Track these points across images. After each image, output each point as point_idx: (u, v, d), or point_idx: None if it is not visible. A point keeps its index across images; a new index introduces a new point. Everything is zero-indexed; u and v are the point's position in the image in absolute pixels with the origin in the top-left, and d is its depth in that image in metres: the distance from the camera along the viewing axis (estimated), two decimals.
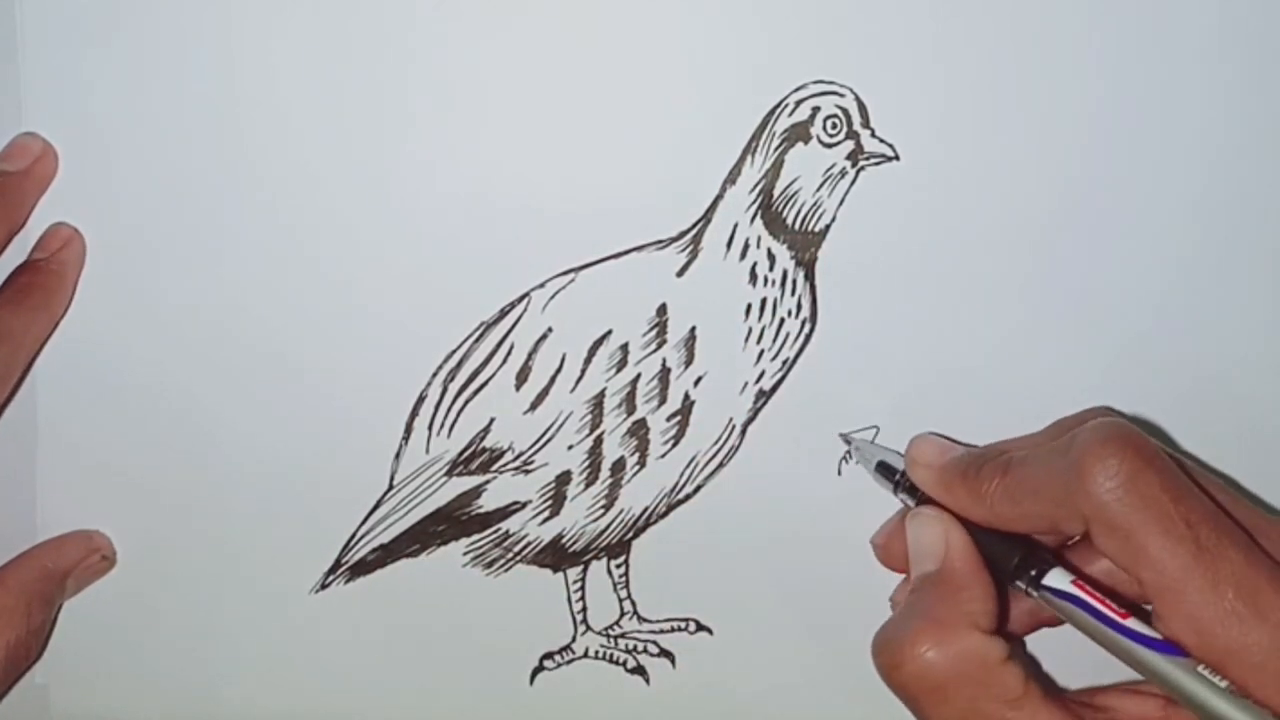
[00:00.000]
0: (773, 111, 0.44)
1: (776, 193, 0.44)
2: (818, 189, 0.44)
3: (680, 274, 0.45)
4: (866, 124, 0.44)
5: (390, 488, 0.46)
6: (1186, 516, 0.36)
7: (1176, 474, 0.37)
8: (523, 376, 0.45)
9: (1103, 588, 0.38)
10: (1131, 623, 0.37)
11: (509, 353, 0.45)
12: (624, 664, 0.47)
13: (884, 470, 0.44)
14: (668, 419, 0.45)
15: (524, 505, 0.46)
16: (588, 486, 0.45)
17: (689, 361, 0.45)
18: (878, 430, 0.45)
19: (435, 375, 0.45)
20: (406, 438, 0.46)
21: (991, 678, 0.37)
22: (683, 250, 0.45)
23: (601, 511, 0.46)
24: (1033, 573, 0.39)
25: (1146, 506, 0.36)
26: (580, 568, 0.47)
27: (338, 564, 0.46)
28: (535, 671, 0.47)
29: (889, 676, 0.38)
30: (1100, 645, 0.37)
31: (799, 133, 0.44)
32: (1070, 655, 0.43)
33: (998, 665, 0.37)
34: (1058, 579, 0.38)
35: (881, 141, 0.44)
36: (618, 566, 0.47)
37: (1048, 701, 0.36)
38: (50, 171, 0.45)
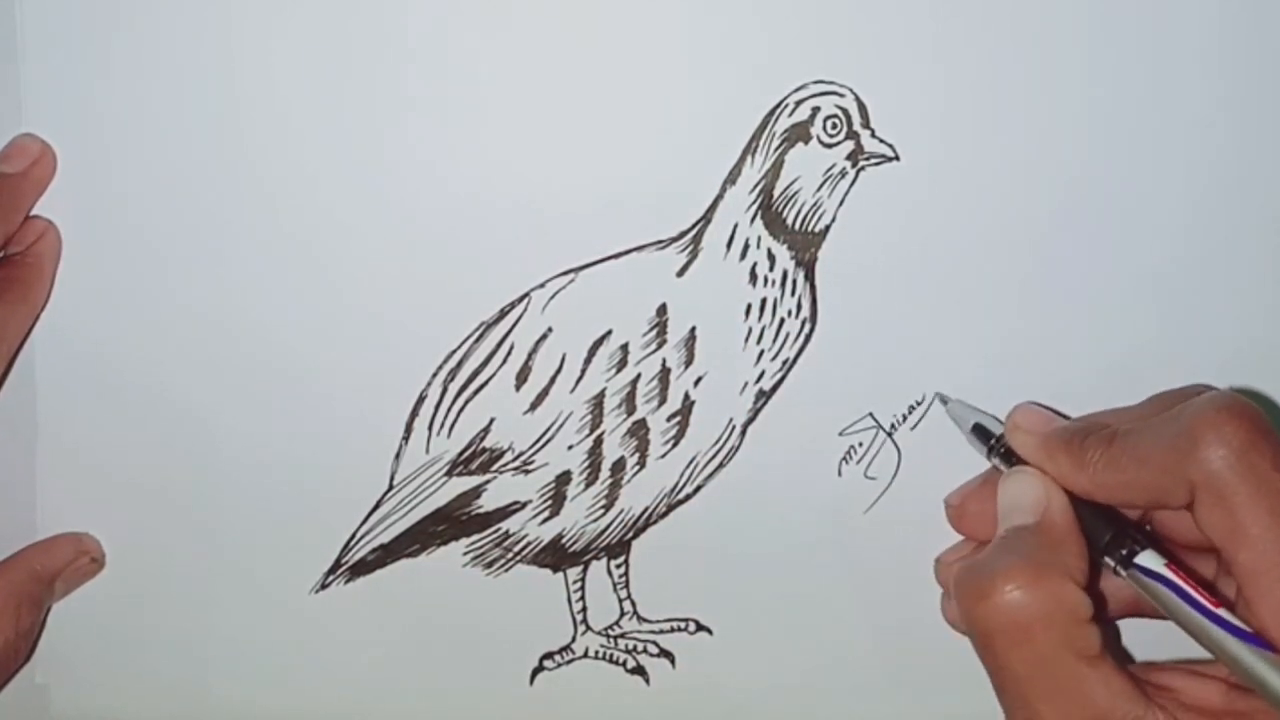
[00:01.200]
0: (773, 111, 0.44)
1: (776, 193, 0.44)
2: (818, 189, 0.44)
3: (680, 274, 0.45)
4: (866, 124, 0.44)
5: (390, 488, 0.46)
6: None
7: None
8: (523, 376, 0.45)
9: (1194, 573, 0.38)
10: (1223, 612, 0.36)
11: (509, 353, 0.45)
12: (624, 664, 0.47)
13: (979, 433, 0.43)
14: (668, 419, 0.45)
15: (524, 505, 0.46)
16: (588, 486, 0.45)
17: (689, 361, 0.45)
18: (872, 416, 0.45)
19: (435, 375, 0.45)
20: (406, 438, 0.46)
21: (1076, 630, 0.36)
22: (683, 250, 0.45)
23: (601, 511, 0.46)
24: (1124, 551, 0.38)
25: (1257, 480, 0.35)
26: (580, 568, 0.47)
27: (338, 564, 0.46)
28: (535, 671, 0.47)
29: (971, 607, 0.37)
30: (1184, 629, 0.37)
31: (799, 133, 0.44)
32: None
33: (1083, 620, 0.36)
34: (1150, 560, 0.38)
35: (881, 141, 0.44)
36: (618, 566, 0.47)
37: (1119, 670, 0.36)
38: (48, 174, 0.45)
